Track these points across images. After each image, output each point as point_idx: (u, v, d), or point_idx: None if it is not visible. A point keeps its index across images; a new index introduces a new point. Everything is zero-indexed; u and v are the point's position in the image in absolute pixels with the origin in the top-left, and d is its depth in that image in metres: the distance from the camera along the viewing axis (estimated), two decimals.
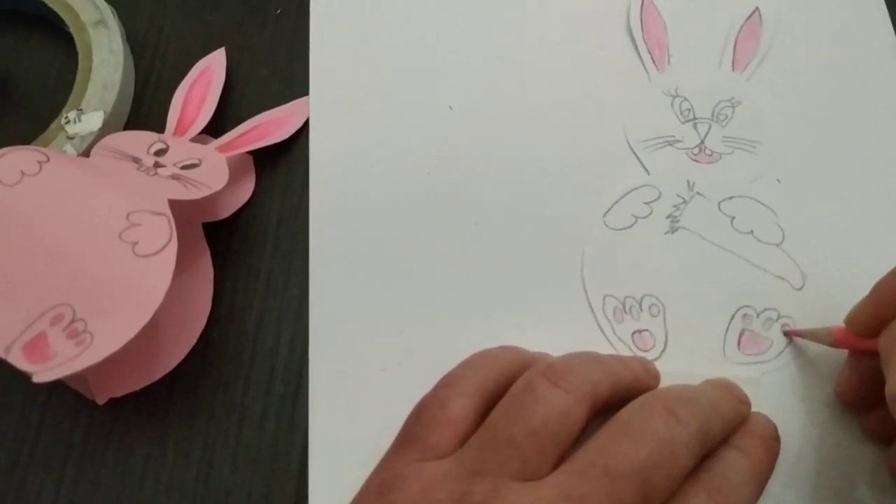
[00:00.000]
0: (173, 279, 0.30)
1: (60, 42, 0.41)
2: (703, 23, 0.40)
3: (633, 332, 0.33)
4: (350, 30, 0.40)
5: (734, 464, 0.27)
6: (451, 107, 0.38)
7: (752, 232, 0.35)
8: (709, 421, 0.26)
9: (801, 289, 0.34)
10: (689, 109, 0.38)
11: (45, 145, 0.36)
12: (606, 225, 0.35)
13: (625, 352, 0.33)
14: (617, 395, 0.28)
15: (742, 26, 0.39)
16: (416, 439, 0.27)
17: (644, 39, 0.39)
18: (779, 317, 0.33)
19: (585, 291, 0.34)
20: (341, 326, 0.34)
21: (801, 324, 0.33)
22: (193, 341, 0.34)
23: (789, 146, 0.37)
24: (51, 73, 0.41)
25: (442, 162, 0.37)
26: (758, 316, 0.33)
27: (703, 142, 0.37)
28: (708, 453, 0.26)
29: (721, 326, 0.33)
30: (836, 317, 0.31)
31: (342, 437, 0.32)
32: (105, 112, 0.37)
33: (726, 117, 0.37)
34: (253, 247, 0.36)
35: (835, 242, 0.35)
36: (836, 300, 0.32)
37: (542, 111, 0.38)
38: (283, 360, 0.34)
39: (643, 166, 0.36)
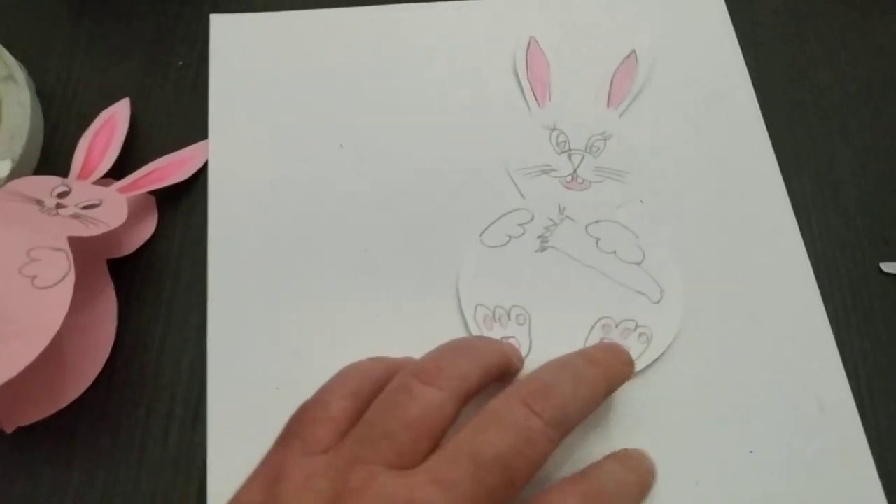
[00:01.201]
0: (78, 312, 0.32)
1: None
2: (584, 62, 0.44)
3: (501, 338, 0.36)
4: (246, 78, 0.43)
5: (614, 474, 0.30)
6: (341, 145, 0.41)
7: (615, 252, 0.38)
8: (565, 409, 0.29)
9: (658, 302, 0.37)
10: (565, 141, 0.41)
11: None
12: (483, 243, 0.39)
13: None
14: (489, 378, 0.31)
15: (619, 67, 0.43)
16: (297, 436, 0.29)
17: (528, 77, 0.43)
18: (636, 326, 0.36)
19: (459, 302, 0.37)
20: (238, 350, 0.36)
21: (658, 334, 0.36)
22: (98, 370, 0.36)
23: (654, 176, 0.41)
24: None
25: (333, 195, 0.40)
26: (616, 326, 0.36)
27: (575, 171, 0.40)
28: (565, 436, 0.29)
29: (581, 335, 0.36)
30: (691, 325, 0.36)
31: (240, 454, 0.33)
32: (13, 160, 0.39)
33: (599, 149, 0.41)
34: (155, 280, 0.39)
35: (689, 261, 0.38)
36: (690, 310, 0.36)
37: (427, 144, 0.41)
38: (184, 385, 0.36)
39: (519, 192, 0.40)
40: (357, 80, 0.43)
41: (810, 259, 0.39)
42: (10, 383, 0.30)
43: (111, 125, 0.41)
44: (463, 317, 0.37)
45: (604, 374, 0.32)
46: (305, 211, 0.39)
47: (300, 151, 0.41)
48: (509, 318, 0.37)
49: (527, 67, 0.43)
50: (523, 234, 0.39)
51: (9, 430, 0.34)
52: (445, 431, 0.28)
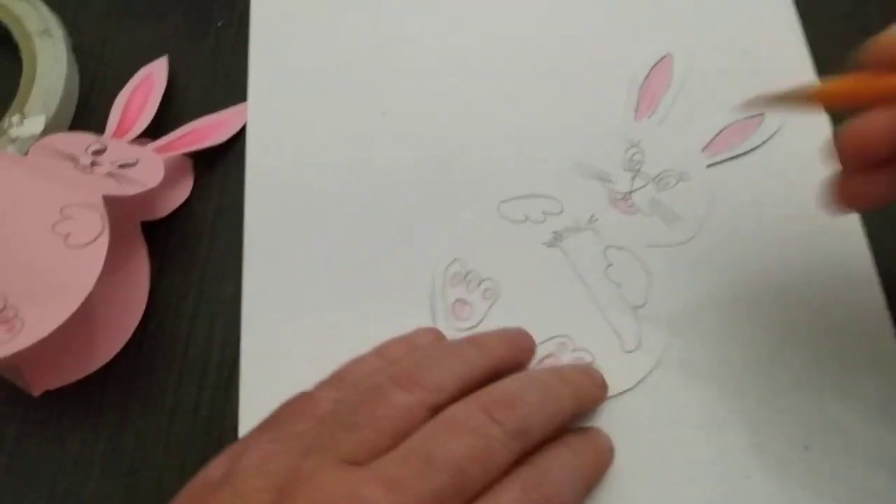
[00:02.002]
0: (110, 275, 0.31)
1: (6, 48, 0.42)
2: (706, 97, 0.39)
3: (457, 300, 0.35)
4: (288, 41, 0.42)
5: (559, 460, 0.29)
6: (384, 113, 0.40)
7: (619, 285, 0.35)
8: (527, 420, 0.27)
9: (629, 352, 0.34)
10: (639, 162, 0.38)
11: None
12: (498, 209, 0.37)
13: (439, 311, 0.35)
14: (471, 386, 0.29)
15: (734, 122, 0.38)
16: (277, 425, 0.29)
17: (641, 87, 0.40)
18: (590, 363, 0.34)
19: (439, 248, 0.36)
20: (273, 321, 0.35)
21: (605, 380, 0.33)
22: (128, 335, 0.35)
23: (705, 244, 0.37)
24: None
25: (374, 165, 0.38)
26: (571, 351, 0.34)
27: (631, 193, 0.37)
28: (535, 448, 0.28)
29: (534, 339, 0.34)
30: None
31: None
32: (47, 116, 0.38)
33: (667, 185, 0.37)
34: (189, 245, 0.37)
35: (691, 331, 0.34)
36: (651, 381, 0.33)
37: (480, 118, 0.39)
38: (216, 354, 0.35)
39: (564, 183, 0.38)
40: (408, 44, 0.42)
41: None
42: (39, 344, 0.29)
43: (148, 84, 0.40)
44: (435, 264, 0.36)
45: (573, 392, 0.30)
46: (345, 181, 0.38)
47: (341, 118, 0.40)
48: (477, 286, 0.35)
49: (645, 78, 0.40)
50: (542, 221, 0.37)
51: (36, 393, 0.33)
52: (410, 435, 0.27)
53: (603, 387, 0.32)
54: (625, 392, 0.33)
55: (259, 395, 0.34)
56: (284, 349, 0.35)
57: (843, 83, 0.25)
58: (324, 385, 0.31)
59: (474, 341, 0.32)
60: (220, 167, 0.39)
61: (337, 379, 0.31)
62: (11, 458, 0.34)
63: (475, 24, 0.42)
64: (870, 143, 0.24)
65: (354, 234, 0.37)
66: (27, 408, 0.34)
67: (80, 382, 0.34)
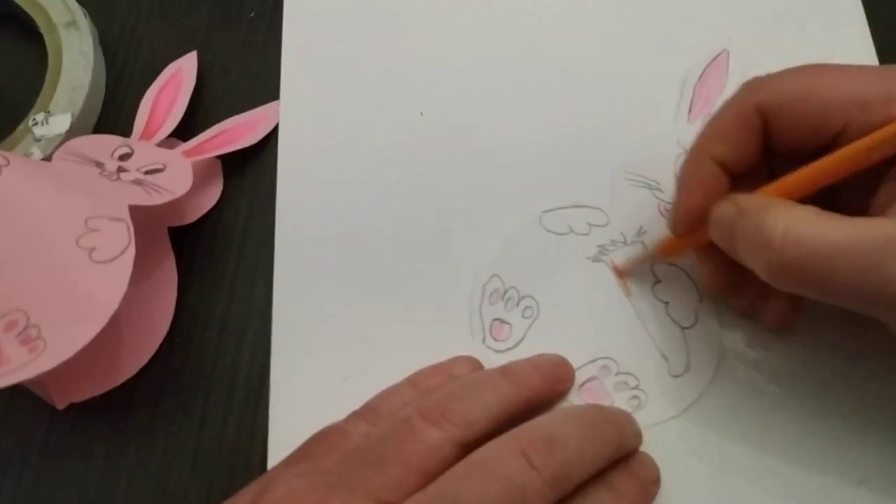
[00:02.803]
0: (136, 284, 0.30)
1: (31, 41, 0.40)
2: None
3: (496, 319, 0.33)
4: (323, 35, 0.40)
5: (600, 502, 0.27)
6: (422, 113, 0.38)
7: (667, 303, 0.34)
8: (567, 467, 0.26)
9: (676, 377, 0.32)
10: None
11: (12, 147, 0.36)
12: (540, 220, 0.35)
13: (476, 329, 0.33)
14: (504, 420, 0.28)
15: None
16: (308, 458, 0.28)
17: (696, 87, 0.38)
18: (634, 387, 0.32)
19: (477, 262, 0.35)
20: (304, 334, 0.34)
21: (652, 406, 0.32)
22: (155, 347, 0.34)
23: None
24: (21, 72, 0.41)
25: (411, 168, 0.37)
26: (615, 374, 0.32)
27: None
28: (574, 490, 0.27)
29: (576, 361, 0.32)
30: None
31: None
32: (73, 115, 0.37)
33: None
34: (218, 252, 0.36)
35: (742, 355, 0.33)
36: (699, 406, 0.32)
37: (524, 119, 0.38)
38: (245, 367, 0.34)
39: (611, 192, 0.36)
40: (448, 39, 0.40)
41: None
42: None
43: (177, 81, 0.38)
44: (473, 279, 0.34)
45: (618, 436, 0.29)
46: (381, 185, 0.36)
47: (378, 118, 0.38)
48: (516, 305, 0.33)
49: (700, 77, 0.38)
50: (587, 234, 0.35)
51: (60, 406, 0.32)
52: (441, 472, 0.26)
53: (638, 436, 0.30)
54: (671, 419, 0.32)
55: (289, 409, 0.33)
56: (316, 362, 0.33)
57: (670, 244, 0.32)
58: (355, 417, 0.30)
59: (509, 373, 0.30)
60: (251, 169, 0.38)
61: (368, 411, 0.30)
62: (38, 472, 0.33)
63: (518, 19, 0.40)
64: None
65: (390, 243, 0.35)
66: (52, 420, 0.33)
67: (105, 395, 0.33)
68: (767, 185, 0.27)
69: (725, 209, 0.27)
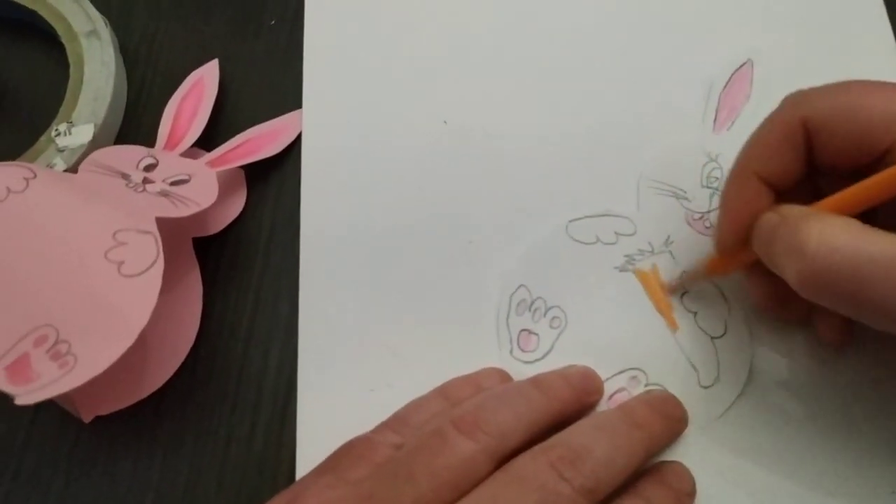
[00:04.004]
0: (161, 296, 0.29)
1: (52, 50, 0.40)
2: None
3: (523, 330, 0.33)
4: (345, 42, 0.40)
5: None
6: (445, 121, 0.38)
7: (696, 314, 0.33)
8: (597, 478, 0.26)
9: (707, 387, 0.32)
10: (716, 178, 0.36)
11: (35, 158, 0.36)
12: (567, 230, 0.35)
13: (504, 340, 0.33)
14: (536, 432, 0.28)
15: None
16: (336, 469, 0.28)
17: (721, 96, 0.37)
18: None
19: (503, 272, 0.34)
20: (331, 345, 0.34)
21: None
22: (181, 359, 0.33)
23: None
24: (42, 81, 0.40)
25: (435, 177, 0.36)
26: (644, 385, 0.32)
27: (709, 212, 0.35)
28: (607, 499, 0.27)
29: (604, 373, 0.32)
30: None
31: None
32: (95, 125, 0.36)
33: None
34: (243, 263, 0.36)
35: (774, 366, 0.32)
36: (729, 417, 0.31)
37: (547, 126, 0.37)
38: (272, 380, 0.34)
39: (637, 200, 0.35)
40: (472, 47, 0.39)
41: None
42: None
43: (199, 90, 0.38)
44: (499, 289, 0.34)
45: (645, 438, 0.29)
46: (406, 194, 0.36)
47: (401, 126, 0.37)
48: (544, 316, 0.33)
49: (725, 87, 0.38)
50: (614, 243, 0.35)
51: (86, 419, 0.32)
52: (473, 486, 0.26)
53: (683, 420, 0.31)
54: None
55: (317, 421, 0.33)
56: (343, 373, 0.33)
57: (716, 262, 0.31)
58: (384, 428, 0.30)
59: (539, 384, 0.30)
60: (275, 179, 0.37)
61: (397, 422, 0.30)
62: (65, 486, 0.33)
63: (542, 27, 0.40)
64: None
65: (415, 253, 0.35)
66: (79, 433, 0.33)
67: (132, 408, 0.33)
68: (814, 202, 0.27)
69: (769, 217, 0.27)
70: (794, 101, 0.28)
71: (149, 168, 0.34)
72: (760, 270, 0.29)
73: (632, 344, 0.33)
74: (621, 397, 0.32)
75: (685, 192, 0.35)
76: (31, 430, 0.34)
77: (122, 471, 0.33)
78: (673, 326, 0.33)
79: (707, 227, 0.35)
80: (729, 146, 0.36)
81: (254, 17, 0.41)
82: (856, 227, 0.24)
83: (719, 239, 0.30)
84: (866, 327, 0.25)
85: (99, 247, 0.29)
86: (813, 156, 0.28)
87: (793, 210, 0.26)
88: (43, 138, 0.36)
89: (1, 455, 0.33)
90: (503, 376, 0.32)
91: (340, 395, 0.33)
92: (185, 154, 0.36)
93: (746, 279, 0.31)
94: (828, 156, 0.27)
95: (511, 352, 0.33)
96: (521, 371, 0.32)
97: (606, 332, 0.33)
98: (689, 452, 0.31)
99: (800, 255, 0.24)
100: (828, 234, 0.24)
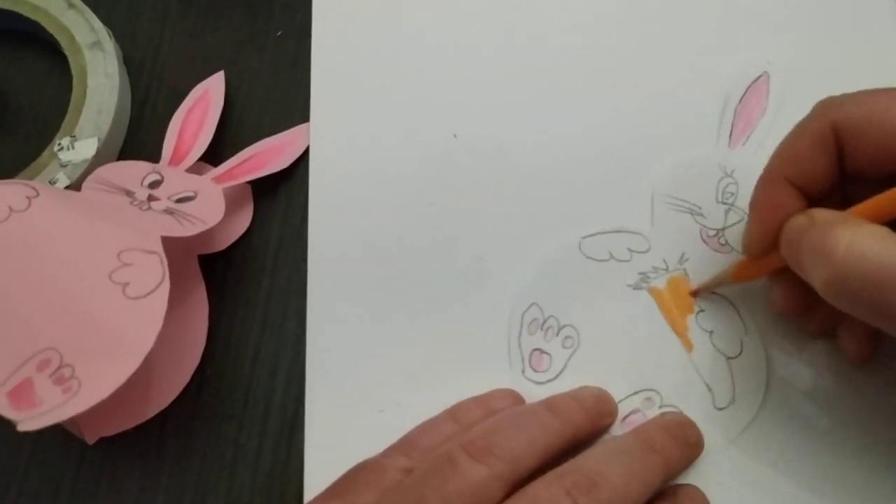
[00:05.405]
0: (167, 315, 0.29)
1: (55, 63, 0.40)
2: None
3: (535, 349, 0.33)
4: (353, 54, 0.39)
5: None
6: (455, 135, 0.37)
7: (711, 332, 0.33)
8: (614, 502, 0.26)
9: (721, 409, 0.32)
10: (732, 194, 0.35)
11: (38, 173, 0.35)
12: (579, 247, 0.34)
13: (515, 360, 0.33)
14: (550, 457, 0.28)
15: None
16: (345, 494, 0.27)
17: (737, 110, 0.37)
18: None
19: (514, 290, 0.34)
20: (339, 365, 0.33)
21: None
22: (187, 379, 0.33)
23: None
24: (45, 94, 0.40)
25: (445, 192, 0.36)
26: (658, 407, 0.32)
27: (724, 230, 0.34)
28: None
29: (618, 393, 0.32)
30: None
31: None
32: (99, 139, 0.36)
33: None
34: (250, 280, 0.35)
35: (790, 386, 0.32)
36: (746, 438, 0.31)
37: (559, 141, 0.37)
38: (279, 399, 0.33)
39: (651, 217, 0.35)
40: (482, 60, 0.38)
41: None
42: None
43: (204, 103, 0.37)
44: (511, 308, 0.33)
45: (662, 464, 0.28)
46: (415, 209, 0.35)
47: (410, 140, 0.37)
48: (556, 335, 0.33)
49: (740, 101, 0.37)
50: (628, 260, 0.34)
51: (91, 440, 0.32)
52: None
53: (698, 445, 0.30)
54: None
55: (325, 442, 0.32)
56: (351, 394, 0.32)
57: (743, 267, 0.31)
58: (393, 451, 0.29)
59: (552, 407, 0.30)
60: (282, 194, 0.37)
61: (407, 445, 0.29)
62: None
63: (553, 40, 0.39)
64: None
65: (425, 270, 0.34)
66: (83, 455, 0.33)
67: (137, 429, 0.32)
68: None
69: (798, 220, 0.27)
70: (825, 106, 0.27)
71: (154, 185, 0.33)
72: (786, 277, 0.29)
73: (646, 364, 0.32)
74: (636, 419, 0.31)
75: (700, 208, 0.35)
76: (34, 450, 0.33)
77: (128, 493, 0.32)
78: (688, 346, 0.32)
79: (722, 245, 0.34)
80: (745, 161, 0.35)
81: (260, 28, 0.41)
82: (885, 234, 0.24)
83: (748, 242, 0.30)
84: (890, 339, 0.25)
85: (103, 268, 0.29)
86: (843, 162, 0.27)
87: (823, 214, 0.26)
88: (45, 153, 0.36)
89: (4, 476, 0.33)
90: (515, 398, 0.31)
91: (349, 416, 0.32)
92: (191, 169, 0.35)
93: (770, 285, 0.31)
94: (858, 162, 0.27)
95: (523, 371, 0.32)
96: (532, 391, 0.32)
97: (620, 352, 0.33)
98: (705, 474, 0.30)
99: (828, 260, 0.24)
100: (857, 240, 0.24)
